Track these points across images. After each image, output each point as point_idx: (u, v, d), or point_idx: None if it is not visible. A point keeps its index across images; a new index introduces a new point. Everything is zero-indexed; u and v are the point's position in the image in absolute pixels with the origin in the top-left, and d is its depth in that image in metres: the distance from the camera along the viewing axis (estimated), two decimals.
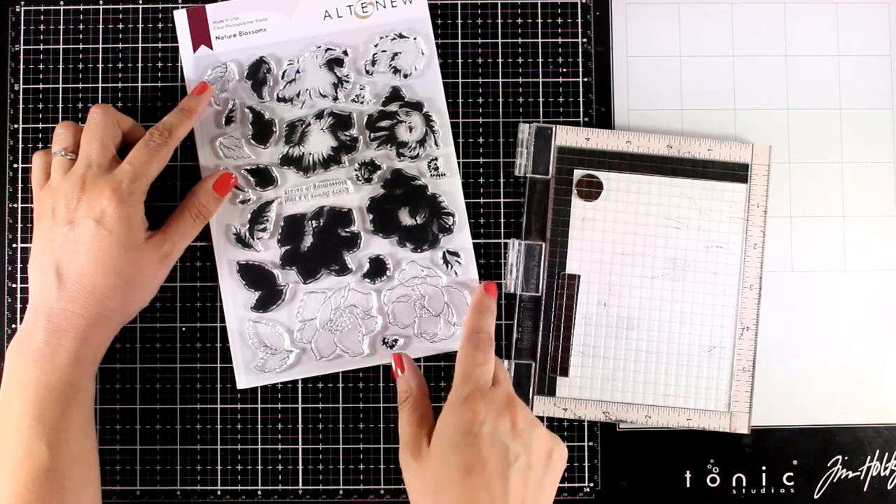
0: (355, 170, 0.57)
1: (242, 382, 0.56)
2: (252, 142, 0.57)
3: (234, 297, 0.56)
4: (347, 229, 0.56)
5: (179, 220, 0.53)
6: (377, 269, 0.56)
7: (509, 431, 0.46)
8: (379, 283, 0.56)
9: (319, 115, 0.57)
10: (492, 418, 0.46)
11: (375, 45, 0.57)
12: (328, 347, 0.56)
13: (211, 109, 0.57)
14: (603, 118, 0.58)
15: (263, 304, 0.56)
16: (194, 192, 0.54)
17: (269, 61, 0.57)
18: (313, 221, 0.56)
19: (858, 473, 0.57)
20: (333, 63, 0.57)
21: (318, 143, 0.57)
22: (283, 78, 0.57)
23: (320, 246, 0.56)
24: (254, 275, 0.56)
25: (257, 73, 0.57)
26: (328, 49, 0.57)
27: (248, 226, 0.56)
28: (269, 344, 0.56)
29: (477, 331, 0.52)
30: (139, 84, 0.58)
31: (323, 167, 0.57)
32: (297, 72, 0.57)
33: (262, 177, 0.56)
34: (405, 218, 0.56)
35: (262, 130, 0.57)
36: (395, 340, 0.56)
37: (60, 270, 0.50)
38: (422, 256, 0.56)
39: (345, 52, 0.57)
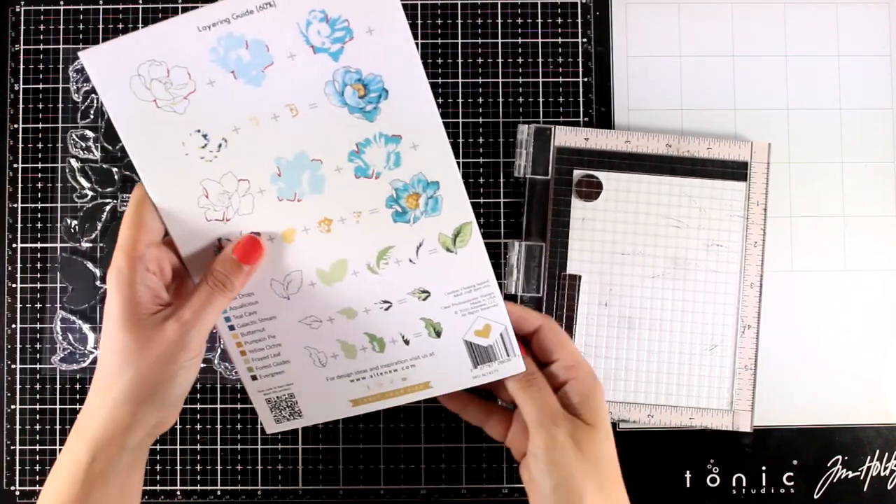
0: None
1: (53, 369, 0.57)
2: (102, 140, 0.57)
3: (52, 287, 0.58)
4: None
5: (198, 287, 0.46)
6: None
7: None
8: None
9: None
10: None
11: None
12: None
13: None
14: (603, 118, 0.58)
15: (76, 301, 0.57)
16: (216, 260, 0.48)
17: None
18: None
19: (858, 473, 0.57)
20: None
21: None
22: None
23: None
24: (74, 270, 0.57)
25: None
26: None
27: (78, 222, 0.57)
28: (73, 339, 0.57)
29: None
30: None
31: None
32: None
33: (104, 176, 0.57)
34: None
35: (114, 131, 0.57)
36: None
37: None
38: None
39: None
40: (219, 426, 0.57)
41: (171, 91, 0.46)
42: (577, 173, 0.57)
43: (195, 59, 0.46)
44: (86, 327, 0.57)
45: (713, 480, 0.57)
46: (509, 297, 0.57)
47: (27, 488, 0.57)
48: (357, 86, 0.46)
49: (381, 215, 0.48)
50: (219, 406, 0.57)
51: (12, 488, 0.57)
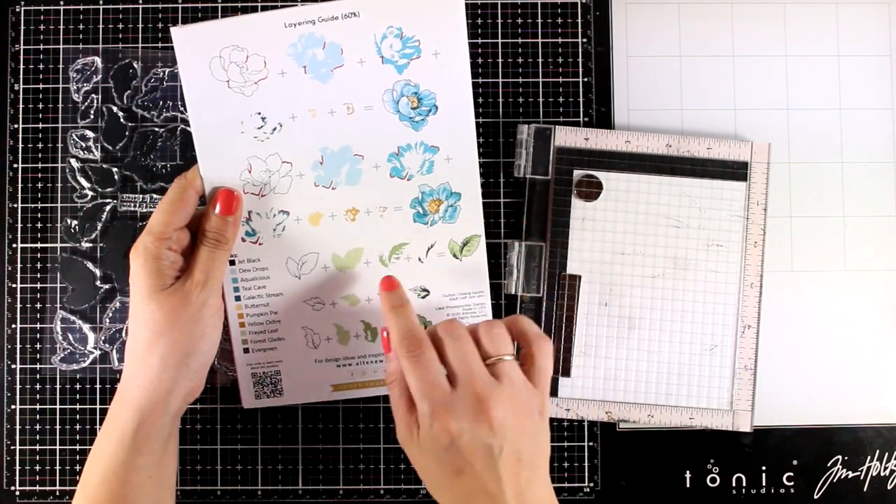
0: None
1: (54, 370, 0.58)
2: (102, 140, 0.58)
3: (52, 287, 0.58)
4: None
5: (199, 250, 0.50)
6: None
7: (488, 433, 0.44)
8: None
9: (173, 131, 0.57)
10: (466, 429, 0.44)
11: None
12: None
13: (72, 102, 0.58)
14: (603, 118, 0.58)
15: (76, 301, 0.57)
16: (203, 220, 0.51)
17: (136, 67, 0.58)
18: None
19: (858, 473, 0.57)
20: None
21: (166, 156, 0.58)
22: (145, 85, 0.58)
23: None
24: (74, 270, 0.57)
25: (124, 75, 0.58)
26: None
27: (78, 222, 0.58)
28: (73, 339, 0.57)
29: (403, 335, 0.47)
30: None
31: (164, 181, 0.57)
32: (162, 81, 0.58)
33: (104, 176, 0.58)
34: None
35: (114, 131, 0.58)
36: None
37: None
38: None
39: None
40: (219, 426, 0.57)
41: (244, 75, 0.51)
42: (577, 173, 0.57)
43: (274, 51, 0.51)
44: (86, 327, 0.57)
45: (713, 480, 0.57)
46: (509, 298, 0.57)
47: (27, 488, 0.57)
48: (412, 98, 0.52)
49: (403, 213, 0.53)
50: (219, 406, 0.57)
51: (12, 488, 0.57)
